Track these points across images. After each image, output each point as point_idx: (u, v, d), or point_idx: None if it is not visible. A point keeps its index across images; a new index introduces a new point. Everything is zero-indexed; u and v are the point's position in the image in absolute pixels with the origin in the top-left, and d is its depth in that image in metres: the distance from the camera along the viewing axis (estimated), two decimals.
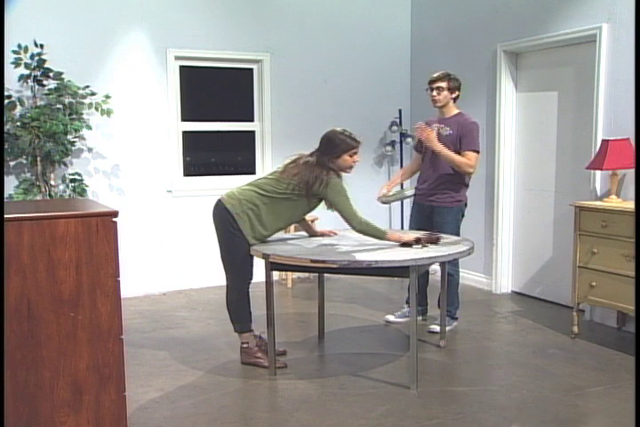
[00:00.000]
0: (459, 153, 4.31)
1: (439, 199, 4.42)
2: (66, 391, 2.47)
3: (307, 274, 6.12)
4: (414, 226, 4.57)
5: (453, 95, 4.42)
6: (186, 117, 5.81)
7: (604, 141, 4.29)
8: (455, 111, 4.45)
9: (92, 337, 2.49)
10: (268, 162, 6.08)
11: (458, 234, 4.39)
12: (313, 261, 3.41)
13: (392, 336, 4.52)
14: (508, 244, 5.60)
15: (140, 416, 3.20)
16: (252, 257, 3.83)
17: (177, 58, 5.67)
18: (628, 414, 3.14)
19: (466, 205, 4.55)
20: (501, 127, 5.47)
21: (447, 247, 3.68)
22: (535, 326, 4.64)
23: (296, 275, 6.12)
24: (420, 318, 4.68)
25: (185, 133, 5.83)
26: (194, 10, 5.67)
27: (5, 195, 4.92)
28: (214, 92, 6.03)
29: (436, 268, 5.41)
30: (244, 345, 3.91)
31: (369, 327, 4.67)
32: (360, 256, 3.42)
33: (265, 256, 3.57)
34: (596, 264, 4.15)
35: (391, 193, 4.60)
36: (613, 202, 4.23)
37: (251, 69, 6.07)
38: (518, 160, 5.50)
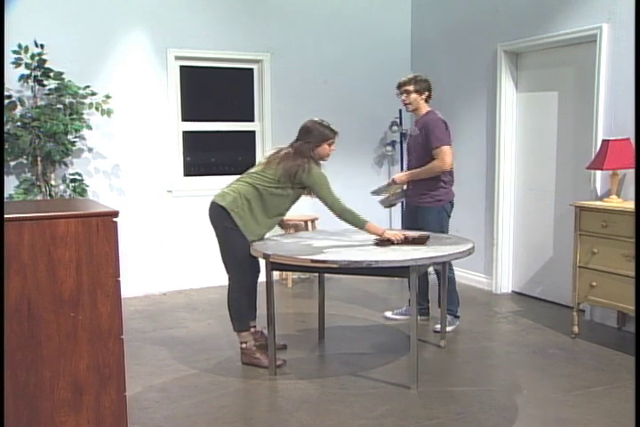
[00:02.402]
0: (431, 151, 4.37)
1: (421, 199, 4.47)
2: (66, 391, 2.47)
3: (307, 274, 6.12)
4: (407, 226, 4.67)
5: (423, 96, 4.44)
6: (186, 117, 5.81)
7: (605, 141, 4.29)
8: (425, 111, 4.48)
9: (93, 337, 2.49)
10: None
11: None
12: (313, 261, 3.41)
13: (392, 336, 4.52)
14: (509, 244, 5.60)
15: (140, 416, 3.21)
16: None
17: (177, 58, 5.67)
18: (628, 414, 3.14)
19: (452, 204, 4.53)
20: (501, 127, 5.47)
21: (447, 247, 3.68)
22: (535, 326, 4.64)
23: (296, 275, 6.12)
24: (421, 317, 4.71)
25: (185, 133, 5.83)
26: (194, 10, 5.67)
27: (6, 195, 4.92)
28: (214, 92, 6.03)
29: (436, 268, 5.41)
30: (243, 345, 3.92)
31: (369, 327, 4.67)
32: (360, 256, 3.42)
33: (265, 256, 3.57)
34: (596, 264, 4.15)
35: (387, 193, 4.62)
36: (614, 202, 4.23)
37: (251, 69, 6.07)
38: (518, 160, 5.50)
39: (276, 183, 3.84)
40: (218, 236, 3.87)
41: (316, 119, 4.03)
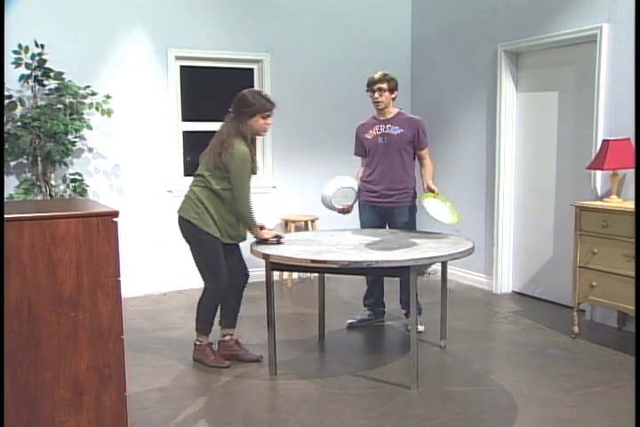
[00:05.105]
0: (414, 149, 4.42)
1: (400, 199, 4.39)
2: (66, 391, 2.47)
3: (307, 274, 6.12)
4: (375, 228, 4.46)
5: (393, 95, 4.44)
6: (186, 117, 5.81)
7: (605, 141, 4.29)
8: (396, 110, 4.49)
9: (93, 337, 2.49)
10: (268, 162, 6.08)
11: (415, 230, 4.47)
12: (313, 261, 3.41)
13: (392, 336, 4.52)
14: (509, 244, 5.60)
15: (140, 416, 3.21)
16: (223, 258, 3.84)
17: (177, 58, 5.67)
18: (628, 414, 3.14)
19: None
20: (502, 127, 5.47)
21: (447, 247, 3.68)
22: (535, 326, 4.64)
23: (296, 275, 6.12)
24: (376, 319, 4.71)
25: (185, 133, 5.83)
26: (194, 10, 5.67)
27: (6, 195, 4.92)
28: (214, 92, 6.03)
29: (436, 268, 5.42)
30: (197, 342, 3.97)
31: (369, 327, 4.67)
32: (360, 256, 3.42)
33: (265, 256, 3.57)
34: (596, 264, 4.15)
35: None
36: (614, 202, 4.23)
37: (251, 69, 6.08)
38: (518, 160, 5.50)
39: (217, 176, 3.70)
40: (190, 244, 3.83)
41: (255, 89, 3.83)
